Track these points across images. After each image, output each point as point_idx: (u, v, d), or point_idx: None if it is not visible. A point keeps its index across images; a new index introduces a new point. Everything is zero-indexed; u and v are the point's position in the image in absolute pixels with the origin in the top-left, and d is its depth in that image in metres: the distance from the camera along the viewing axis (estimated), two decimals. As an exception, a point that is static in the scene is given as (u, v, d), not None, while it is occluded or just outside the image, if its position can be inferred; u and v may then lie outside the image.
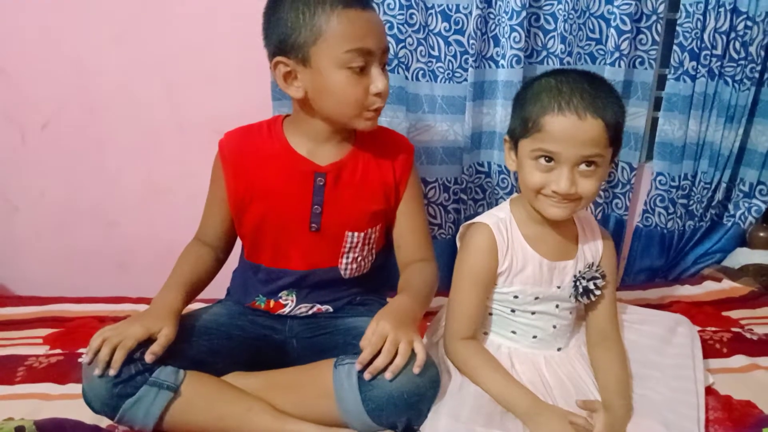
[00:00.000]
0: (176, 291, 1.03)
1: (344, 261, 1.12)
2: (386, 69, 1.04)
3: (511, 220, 1.05)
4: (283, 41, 0.97)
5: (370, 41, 0.97)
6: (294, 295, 1.12)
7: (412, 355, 0.92)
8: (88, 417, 0.94)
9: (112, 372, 0.90)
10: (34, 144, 1.53)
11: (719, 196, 1.63)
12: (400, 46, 1.41)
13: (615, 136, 0.95)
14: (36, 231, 1.60)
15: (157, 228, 1.60)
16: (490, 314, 1.09)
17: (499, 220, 1.04)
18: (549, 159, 0.94)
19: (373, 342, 0.91)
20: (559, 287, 1.05)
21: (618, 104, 0.95)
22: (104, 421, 0.95)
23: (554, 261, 1.04)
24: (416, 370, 0.91)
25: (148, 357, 0.91)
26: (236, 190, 1.09)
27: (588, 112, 0.91)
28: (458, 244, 1.09)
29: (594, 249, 1.09)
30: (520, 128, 0.97)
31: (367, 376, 0.91)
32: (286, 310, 1.12)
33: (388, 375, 0.90)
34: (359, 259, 1.13)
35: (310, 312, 1.13)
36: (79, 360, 1.16)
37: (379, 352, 0.91)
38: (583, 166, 0.94)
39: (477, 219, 1.07)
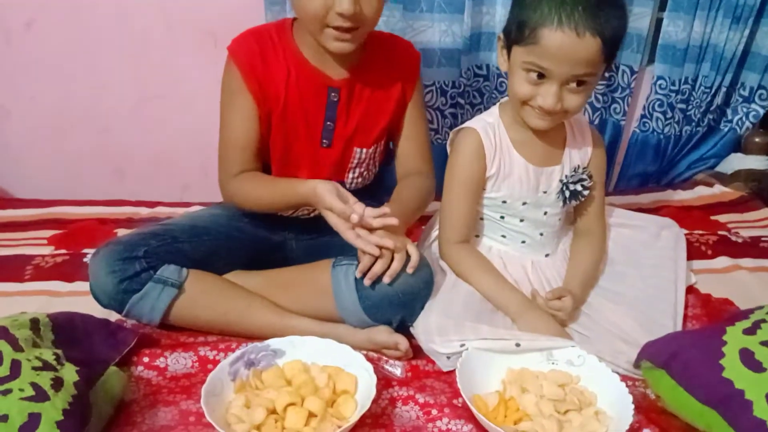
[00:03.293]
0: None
1: (350, 176, 1.12)
2: None
3: (500, 124, 1.05)
4: None
5: None
6: None
7: (407, 258, 0.95)
8: (97, 312, 0.97)
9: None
10: (19, 45, 1.48)
11: (718, 100, 1.61)
12: (397, -61, 1.34)
13: (611, 52, 0.92)
14: (30, 136, 1.58)
15: (150, 134, 1.57)
16: (481, 219, 1.11)
17: (488, 124, 1.05)
18: (540, 75, 0.93)
19: (369, 250, 0.93)
20: (545, 192, 1.07)
21: (621, 18, 0.92)
22: (113, 316, 0.99)
23: (540, 167, 1.05)
24: (410, 270, 0.94)
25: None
26: (257, 97, 1.02)
27: (588, 29, 0.88)
28: (448, 150, 1.09)
29: (583, 153, 1.09)
30: (516, 32, 0.94)
31: (367, 282, 0.94)
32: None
33: (386, 279, 0.93)
34: (365, 173, 1.13)
35: (312, 214, 1.12)
36: (85, 260, 1.21)
37: (376, 258, 0.93)
38: (572, 84, 0.93)
39: (466, 124, 1.06)
